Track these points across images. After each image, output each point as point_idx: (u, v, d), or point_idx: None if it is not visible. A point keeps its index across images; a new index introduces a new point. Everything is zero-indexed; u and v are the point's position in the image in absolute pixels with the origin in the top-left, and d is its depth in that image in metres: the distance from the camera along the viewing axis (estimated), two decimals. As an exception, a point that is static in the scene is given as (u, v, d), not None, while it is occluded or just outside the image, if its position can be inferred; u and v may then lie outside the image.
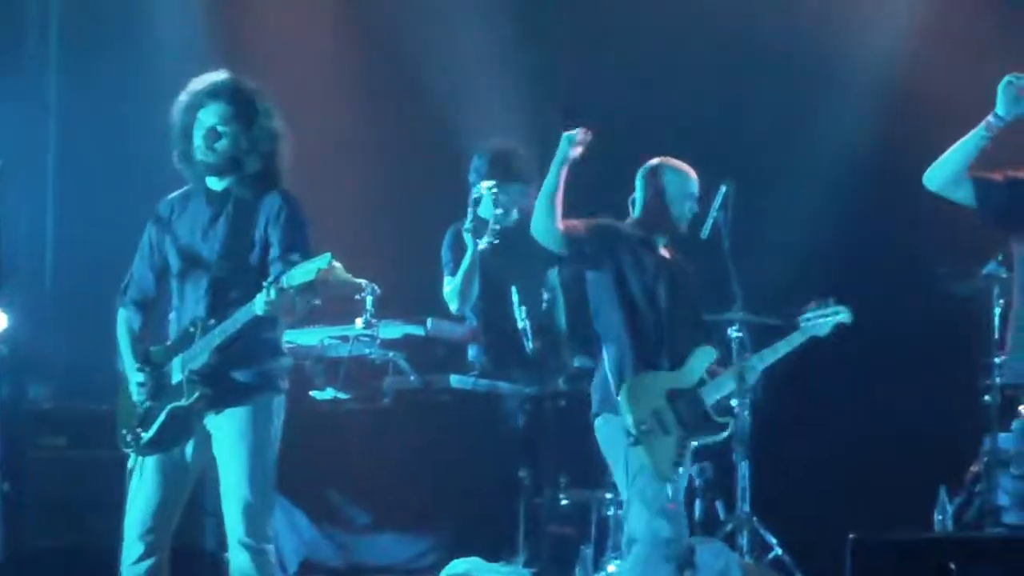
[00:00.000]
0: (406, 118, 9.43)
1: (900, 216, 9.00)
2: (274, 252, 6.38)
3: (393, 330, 8.05)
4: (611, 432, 7.04)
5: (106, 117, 9.39)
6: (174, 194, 6.61)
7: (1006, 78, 6.52)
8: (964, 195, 6.63)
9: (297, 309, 6.27)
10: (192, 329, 6.32)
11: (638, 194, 7.37)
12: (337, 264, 7.60)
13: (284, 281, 6.12)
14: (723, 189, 7.69)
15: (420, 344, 8.10)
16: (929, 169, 6.64)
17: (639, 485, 6.91)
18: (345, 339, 7.95)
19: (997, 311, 8.21)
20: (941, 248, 8.59)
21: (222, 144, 6.42)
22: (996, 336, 8.18)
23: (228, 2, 9.35)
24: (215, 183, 6.50)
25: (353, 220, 8.59)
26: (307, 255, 6.29)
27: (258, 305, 6.15)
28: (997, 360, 8.12)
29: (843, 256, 8.71)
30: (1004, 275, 8.10)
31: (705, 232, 7.65)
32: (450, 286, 8.01)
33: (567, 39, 9.37)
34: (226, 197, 6.48)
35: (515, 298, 7.96)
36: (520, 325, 7.95)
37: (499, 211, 8.01)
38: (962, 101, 8.56)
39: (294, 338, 7.82)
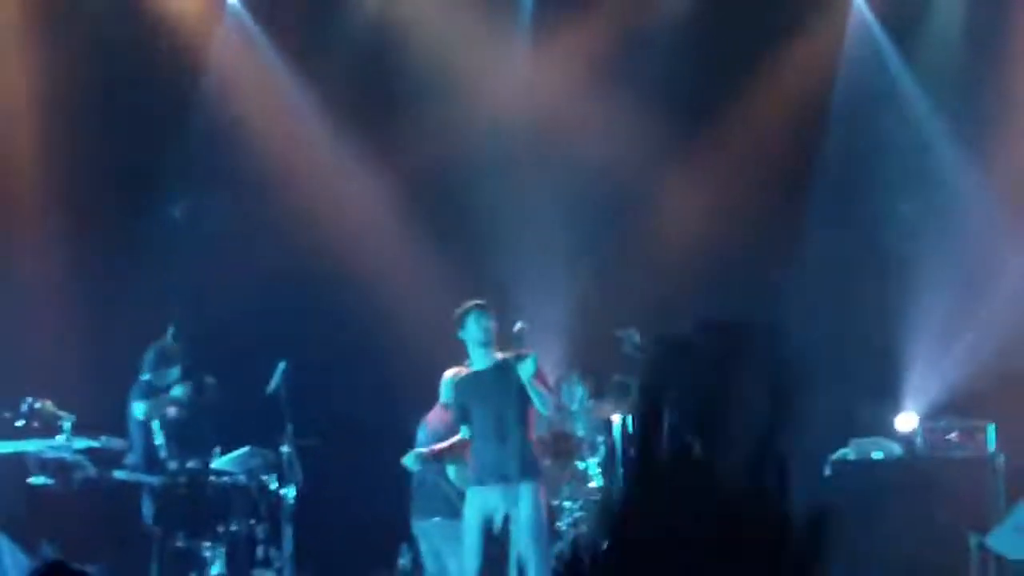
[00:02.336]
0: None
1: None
2: None
3: (82, 443, 13.39)
4: None
5: None
6: None
7: None
8: None
9: None
10: None
11: None
12: (48, 402, 13.08)
13: None
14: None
15: (99, 451, 13.47)
16: None
17: None
18: (52, 448, 13.31)
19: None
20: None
21: None
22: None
23: None
24: None
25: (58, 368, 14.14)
26: None
27: None
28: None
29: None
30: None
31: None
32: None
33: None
34: None
35: (156, 426, 13.52)
36: (158, 442, 13.48)
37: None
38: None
39: (23, 447, 13.14)
